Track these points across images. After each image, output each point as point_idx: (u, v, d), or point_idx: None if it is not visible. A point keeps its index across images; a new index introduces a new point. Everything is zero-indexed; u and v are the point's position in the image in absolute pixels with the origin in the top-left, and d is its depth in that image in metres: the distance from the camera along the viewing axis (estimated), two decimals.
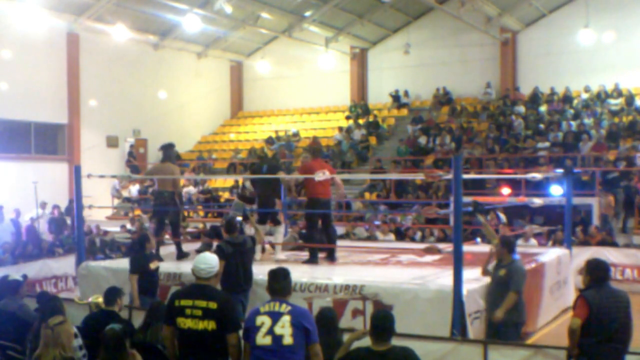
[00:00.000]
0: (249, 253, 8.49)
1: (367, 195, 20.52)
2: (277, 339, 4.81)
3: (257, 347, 4.85)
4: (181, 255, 10.63)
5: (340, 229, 16.48)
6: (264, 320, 4.86)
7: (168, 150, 10.86)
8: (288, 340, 4.80)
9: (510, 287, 7.37)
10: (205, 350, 5.12)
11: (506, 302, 7.27)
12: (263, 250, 10.55)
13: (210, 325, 5.07)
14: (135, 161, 25.32)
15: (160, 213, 10.63)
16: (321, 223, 10.17)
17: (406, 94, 26.89)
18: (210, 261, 5.37)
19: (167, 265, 9.99)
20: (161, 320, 5.58)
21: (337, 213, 18.64)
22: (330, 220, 10.50)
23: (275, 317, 4.86)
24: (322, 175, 9.54)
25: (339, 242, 11.54)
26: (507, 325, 7.51)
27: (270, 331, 4.81)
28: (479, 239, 14.23)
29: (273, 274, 5.15)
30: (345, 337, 5.45)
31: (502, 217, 15.49)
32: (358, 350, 4.95)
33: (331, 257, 10.26)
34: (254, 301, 7.98)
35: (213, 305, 5.10)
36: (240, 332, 5.12)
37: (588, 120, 21.25)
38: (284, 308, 4.92)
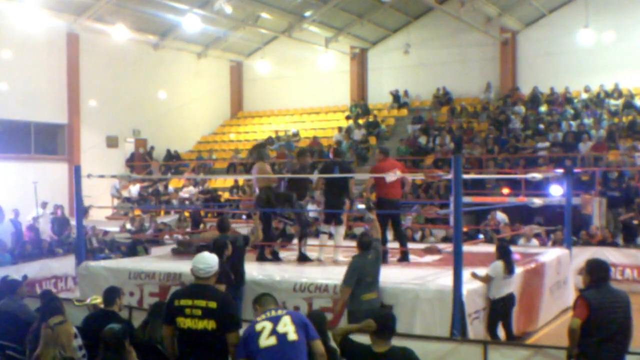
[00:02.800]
0: (240, 251, 8.49)
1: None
2: (282, 336, 4.82)
3: (261, 349, 4.82)
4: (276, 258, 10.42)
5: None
6: (264, 325, 4.87)
7: (260, 149, 10.84)
8: (293, 336, 4.83)
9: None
10: (206, 350, 5.12)
11: (340, 297, 7.51)
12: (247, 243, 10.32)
13: (210, 324, 5.07)
14: (151, 161, 25.39)
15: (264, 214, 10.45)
16: (391, 223, 10.19)
17: (406, 94, 26.90)
18: (209, 261, 5.36)
19: (167, 265, 10.00)
20: (160, 317, 5.57)
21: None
22: (400, 221, 10.43)
23: (275, 319, 4.90)
24: (393, 176, 9.59)
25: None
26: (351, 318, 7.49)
27: (274, 332, 4.83)
28: (481, 235, 14.23)
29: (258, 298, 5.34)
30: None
31: (504, 217, 15.42)
32: (358, 349, 4.99)
33: (405, 259, 10.10)
34: (247, 298, 8.04)
35: (213, 304, 5.10)
36: (241, 332, 5.12)
37: (588, 120, 21.26)
38: (281, 312, 5.01)
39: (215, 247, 8.15)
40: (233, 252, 8.31)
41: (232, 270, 8.23)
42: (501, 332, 8.36)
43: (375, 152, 10.88)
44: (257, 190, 10.32)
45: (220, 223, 9.02)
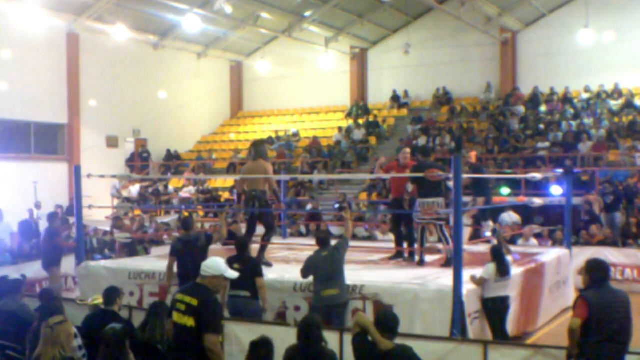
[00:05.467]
0: (202, 250, 8.52)
1: (364, 195, 20.55)
2: None
3: None
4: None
5: (340, 229, 16.49)
6: None
7: (259, 146, 10.23)
8: None
9: None
10: (187, 347, 5.20)
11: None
12: (209, 241, 9.40)
13: (190, 321, 5.16)
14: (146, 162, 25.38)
15: (252, 215, 9.84)
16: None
17: (406, 94, 26.91)
18: (214, 264, 5.47)
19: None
20: (159, 317, 5.79)
21: (338, 213, 18.65)
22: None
23: None
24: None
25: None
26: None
27: None
28: (488, 233, 14.17)
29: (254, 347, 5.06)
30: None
31: (517, 218, 15.28)
32: (365, 346, 5.09)
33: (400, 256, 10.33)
34: None
35: (194, 302, 5.20)
36: (220, 337, 5.17)
37: (588, 120, 21.27)
38: None
39: (239, 244, 8.25)
40: (193, 250, 8.45)
41: (188, 270, 8.27)
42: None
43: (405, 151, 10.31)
44: (240, 190, 9.82)
45: (184, 222, 9.16)
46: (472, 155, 11.38)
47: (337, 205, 16.90)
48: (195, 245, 8.51)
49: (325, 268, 7.79)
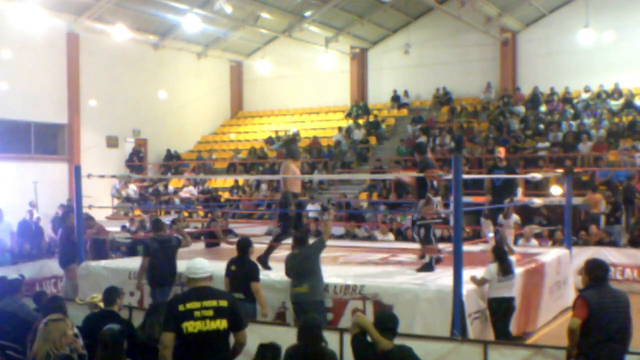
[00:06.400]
0: (174, 250, 8.96)
1: (364, 195, 20.55)
2: None
3: None
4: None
5: (340, 229, 16.51)
6: None
7: (289, 145, 10.00)
8: None
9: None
10: (213, 351, 5.10)
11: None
12: (179, 244, 9.41)
13: (222, 324, 5.10)
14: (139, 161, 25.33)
15: (281, 215, 9.59)
16: None
17: (406, 94, 26.90)
18: (204, 262, 5.48)
19: None
20: (158, 316, 5.65)
21: (337, 213, 18.66)
22: None
23: None
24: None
25: (340, 242, 11.57)
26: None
27: None
28: (490, 234, 14.16)
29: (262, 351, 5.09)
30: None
31: (516, 217, 15.26)
32: (363, 346, 5.11)
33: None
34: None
35: (224, 303, 5.17)
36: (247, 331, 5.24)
37: (588, 120, 21.27)
38: None
39: (240, 245, 8.25)
40: (166, 250, 8.78)
41: (163, 270, 8.66)
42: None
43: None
44: (282, 191, 9.47)
45: (154, 223, 9.41)
46: (502, 151, 11.22)
47: (317, 208, 17.01)
48: (168, 246, 8.88)
49: (295, 266, 7.98)
